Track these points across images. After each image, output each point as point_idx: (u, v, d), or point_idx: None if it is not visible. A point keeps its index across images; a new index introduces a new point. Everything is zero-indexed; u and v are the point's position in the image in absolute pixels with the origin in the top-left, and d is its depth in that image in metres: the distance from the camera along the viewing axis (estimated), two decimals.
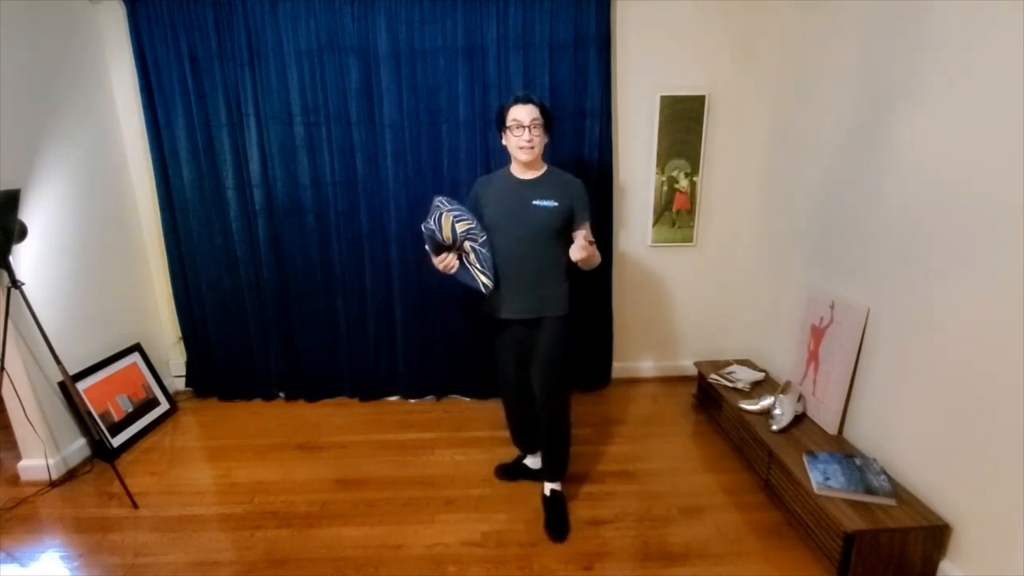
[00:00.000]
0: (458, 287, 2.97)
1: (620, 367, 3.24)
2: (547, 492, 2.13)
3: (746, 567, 1.83)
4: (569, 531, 2.01)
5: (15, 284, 2.14)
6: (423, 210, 2.87)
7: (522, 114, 1.87)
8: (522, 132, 1.86)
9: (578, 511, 2.11)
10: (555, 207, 1.90)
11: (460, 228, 1.87)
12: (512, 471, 2.35)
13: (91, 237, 2.68)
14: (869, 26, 2.04)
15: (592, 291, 2.99)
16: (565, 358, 2.01)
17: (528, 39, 2.68)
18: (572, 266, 1.94)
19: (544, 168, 1.98)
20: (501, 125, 1.95)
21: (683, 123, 2.88)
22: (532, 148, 1.88)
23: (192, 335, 3.10)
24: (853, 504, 1.77)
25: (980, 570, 1.59)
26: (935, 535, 1.69)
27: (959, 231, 1.65)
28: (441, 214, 1.87)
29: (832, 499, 1.80)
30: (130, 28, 2.68)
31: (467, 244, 1.90)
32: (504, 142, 1.97)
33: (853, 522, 1.69)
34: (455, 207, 1.91)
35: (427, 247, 1.98)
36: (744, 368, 2.86)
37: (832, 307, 2.25)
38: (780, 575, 1.80)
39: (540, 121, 1.88)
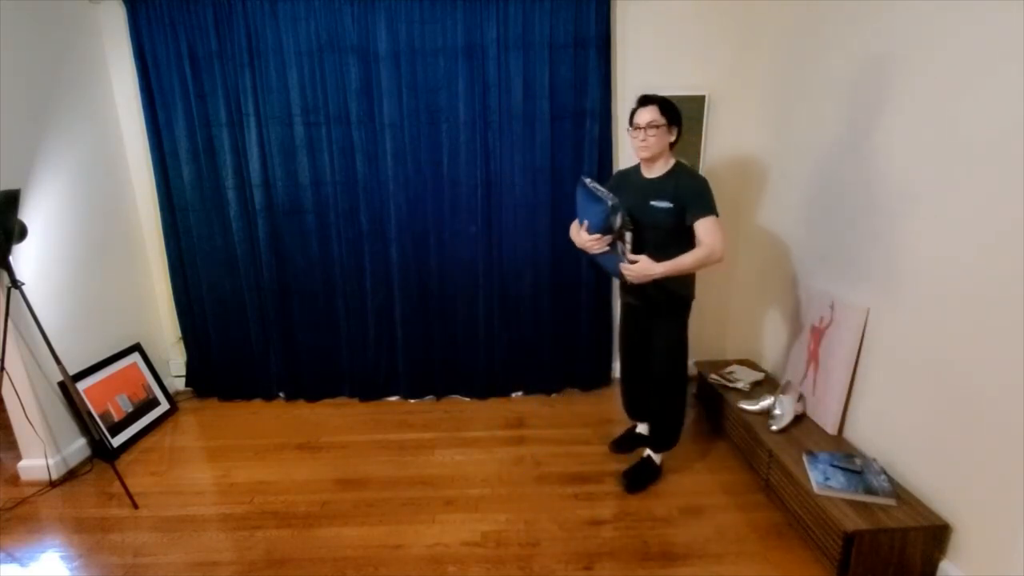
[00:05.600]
0: (457, 287, 3.00)
1: None
2: (645, 455, 2.33)
3: (746, 567, 1.83)
4: (640, 490, 2.22)
5: (15, 284, 2.14)
6: (423, 210, 2.90)
7: (640, 117, 1.95)
8: (638, 133, 1.96)
9: (578, 511, 2.12)
10: (670, 208, 1.93)
11: (623, 218, 1.90)
12: (626, 443, 2.51)
13: (91, 237, 2.68)
14: (868, 25, 2.05)
15: (592, 290, 3.00)
16: (681, 350, 2.17)
17: (528, 39, 2.68)
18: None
19: (669, 166, 2.00)
20: (630, 124, 2.01)
21: (683, 123, 2.87)
22: (647, 147, 1.95)
23: (192, 335, 3.10)
24: (853, 504, 1.77)
25: (980, 570, 1.59)
26: (935, 535, 1.69)
27: (959, 231, 1.65)
28: (612, 203, 1.86)
29: (832, 499, 1.80)
30: (130, 28, 2.68)
31: (628, 234, 1.94)
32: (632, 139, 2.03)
33: (853, 522, 1.69)
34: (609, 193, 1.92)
35: (587, 220, 1.95)
36: (744, 368, 2.85)
37: (832, 307, 2.25)
38: (780, 575, 1.80)
39: (659, 122, 1.92)
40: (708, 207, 1.92)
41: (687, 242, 1.95)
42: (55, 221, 2.48)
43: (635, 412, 2.49)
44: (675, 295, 2.07)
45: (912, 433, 1.85)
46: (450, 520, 2.08)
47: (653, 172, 2.02)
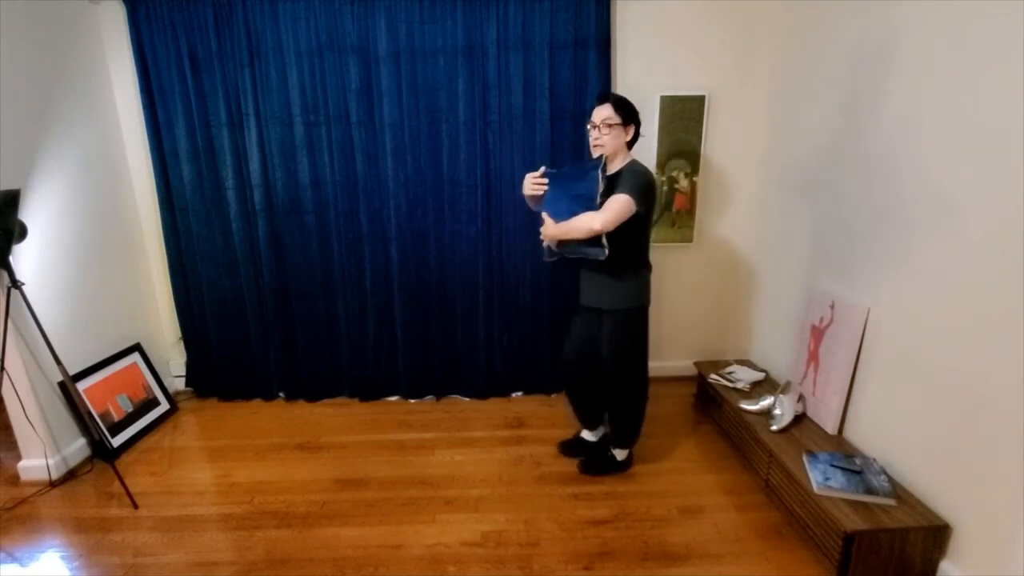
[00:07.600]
0: (457, 287, 2.99)
1: None
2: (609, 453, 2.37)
3: (746, 567, 1.83)
4: (594, 474, 2.31)
5: (15, 284, 2.14)
6: (423, 210, 2.90)
7: (595, 115, 1.98)
8: (593, 131, 2.00)
9: (578, 511, 2.12)
10: None
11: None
12: (572, 447, 2.49)
13: (91, 237, 2.68)
14: (868, 24, 2.04)
15: None
16: (628, 349, 2.14)
17: (528, 39, 2.68)
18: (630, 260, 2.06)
19: (625, 163, 2.03)
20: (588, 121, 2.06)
21: (683, 123, 2.88)
22: (600, 146, 1.99)
23: (192, 335, 3.10)
24: (853, 504, 1.78)
25: (980, 570, 1.59)
26: (935, 535, 1.69)
27: (959, 231, 1.65)
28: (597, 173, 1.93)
29: (832, 499, 1.80)
30: (130, 28, 2.68)
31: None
32: None
33: (853, 522, 1.69)
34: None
35: (579, 190, 1.98)
36: (744, 368, 2.86)
37: (832, 307, 2.25)
38: (780, 575, 1.80)
39: (612, 120, 1.95)
40: (629, 188, 1.91)
41: (635, 240, 2.02)
42: (55, 221, 2.48)
43: (582, 418, 2.47)
44: (623, 302, 2.08)
45: (912, 433, 1.85)
46: (450, 520, 2.08)
47: (610, 169, 2.06)
